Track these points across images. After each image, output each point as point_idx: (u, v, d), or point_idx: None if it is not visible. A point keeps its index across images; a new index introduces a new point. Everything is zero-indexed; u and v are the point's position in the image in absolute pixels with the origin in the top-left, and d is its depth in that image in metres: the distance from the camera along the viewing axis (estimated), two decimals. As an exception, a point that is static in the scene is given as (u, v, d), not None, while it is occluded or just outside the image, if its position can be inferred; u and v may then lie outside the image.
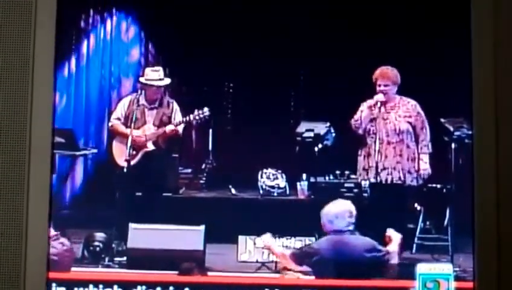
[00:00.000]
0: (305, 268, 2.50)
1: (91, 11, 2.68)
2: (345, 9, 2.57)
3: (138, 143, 2.76)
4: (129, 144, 2.75)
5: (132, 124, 2.76)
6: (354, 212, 2.53)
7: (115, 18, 2.71)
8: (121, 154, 2.74)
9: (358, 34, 2.57)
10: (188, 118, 2.72)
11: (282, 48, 2.60)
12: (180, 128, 2.74)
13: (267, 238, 2.52)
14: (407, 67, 2.58)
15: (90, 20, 2.69)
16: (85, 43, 2.69)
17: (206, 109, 2.68)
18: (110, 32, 2.72)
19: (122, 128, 2.75)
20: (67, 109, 2.66)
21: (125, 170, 2.71)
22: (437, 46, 2.54)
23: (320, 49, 2.59)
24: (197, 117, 2.70)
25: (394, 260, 2.50)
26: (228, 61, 2.63)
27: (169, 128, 2.76)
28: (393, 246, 2.51)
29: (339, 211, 2.53)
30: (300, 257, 2.51)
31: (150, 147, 2.77)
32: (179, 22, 2.63)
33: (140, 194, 2.66)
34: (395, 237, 2.50)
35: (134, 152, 2.75)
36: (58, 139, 2.57)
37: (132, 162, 2.73)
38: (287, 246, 2.52)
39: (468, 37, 2.46)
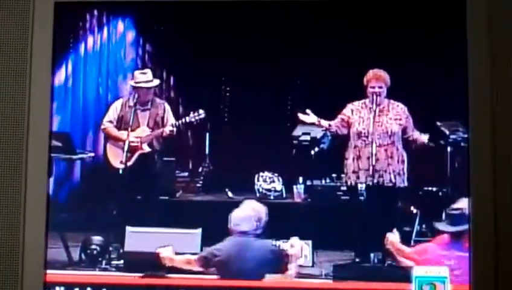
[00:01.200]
0: (210, 270, 2.54)
1: (88, 15, 2.69)
2: (340, 14, 2.58)
3: (133, 145, 2.77)
4: (124, 147, 2.75)
5: (125, 127, 2.77)
6: (263, 217, 2.56)
7: (111, 21, 2.71)
8: (115, 156, 2.74)
9: (354, 37, 2.57)
10: (183, 120, 2.72)
11: (279, 51, 2.60)
12: (175, 130, 2.74)
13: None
14: (403, 69, 2.58)
15: (88, 24, 2.69)
16: (82, 46, 2.69)
17: (201, 111, 2.68)
18: (107, 36, 2.72)
19: (115, 131, 2.76)
20: (65, 112, 2.66)
21: (120, 171, 2.72)
22: (432, 48, 2.54)
23: (317, 52, 2.59)
24: (192, 119, 2.70)
25: (293, 266, 2.53)
26: (224, 64, 2.63)
27: (164, 129, 2.76)
28: (294, 251, 2.54)
29: (245, 215, 2.56)
30: (206, 260, 2.54)
31: (146, 149, 2.77)
32: (174, 23, 2.64)
33: (137, 197, 2.66)
34: (296, 244, 2.53)
35: (129, 154, 2.76)
36: (55, 142, 2.58)
37: (127, 165, 2.74)
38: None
39: (464, 39, 2.47)
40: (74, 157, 2.69)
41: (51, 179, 2.56)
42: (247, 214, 2.58)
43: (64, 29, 2.62)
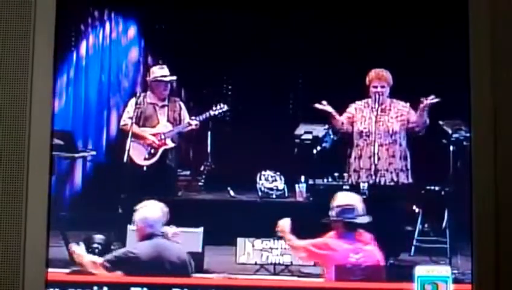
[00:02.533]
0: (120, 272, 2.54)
1: (90, 13, 2.68)
2: (341, 13, 2.58)
3: (156, 141, 2.77)
4: (147, 143, 2.76)
5: (145, 123, 2.77)
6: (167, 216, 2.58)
7: (114, 19, 2.71)
8: (138, 153, 2.74)
9: (357, 36, 2.58)
10: (207, 114, 2.71)
11: (281, 50, 2.60)
12: (199, 124, 2.74)
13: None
14: (405, 69, 2.58)
15: (90, 22, 2.69)
16: (84, 44, 2.69)
17: (223, 105, 2.68)
18: (109, 34, 2.72)
19: (135, 127, 2.75)
20: (67, 110, 2.66)
21: (145, 168, 2.72)
22: (435, 47, 2.54)
23: (319, 51, 2.60)
24: (216, 112, 2.70)
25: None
26: (227, 63, 2.63)
27: (191, 123, 2.75)
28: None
29: (158, 216, 2.58)
30: (115, 261, 2.55)
31: (170, 144, 2.77)
32: (177, 21, 2.64)
33: (139, 196, 2.65)
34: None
35: (152, 151, 2.76)
36: (57, 141, 2.57)
37: (151, 161, 2.74)
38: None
39: (466, 38, 2.47)
40: (76, 155, 2.68)
41: (53, 178, 2.55)
42: (159, 215, 2.58)
43: (67, 27, 2.61)
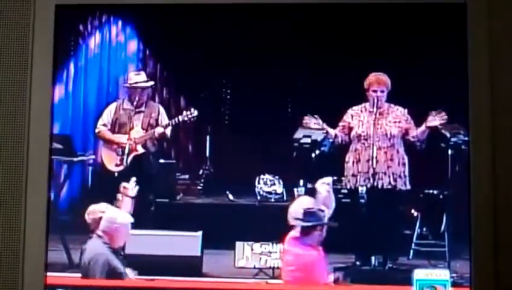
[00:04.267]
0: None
1: (89, 19, 2.69)
2: (339, 17, 2.59)
3: (128, 147, 2.76)
4: (119, 149, 2.75)
5: (120, 129, 2.77)
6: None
7: (112, 25, 2.71)
8: (110, 160, 2.74)
9: (355, 41, 2.58)
10: (176, 119, 2.72)
11: (280, 54, 2.60)
12: (168, 130, 2.73)
13: None
14: (403, 73, 2.58)
15: (88, 27, 2.69)
16: (83, 49, 2.70)
17: (193, 110, 2.68)
18: (108, 39, 2.72)
19: (109, 134, 2.75)
20: (65, 115, 2.66)
21: (116, 174, 2.72)
22: (433, 51, 2.54)
23: (318, 54, 2.60)
24: (185, 118, 2.70)
25: None
26: (225, 67, 2.63)
27: (157, 130, 2.76)
28: None
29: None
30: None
31: (140, 150, 2.77)
32: (176, 27, 2.64)
33: (138, 200, 2.65)
34: None
35: (124, 157, 2.75)
36: (56, 145, 2.58)
37: (123, 167, 2.74)
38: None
39: (465, 43, 2.47)
40: (75, 159, 2.69)
41: (52, 182, 2.56)
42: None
43: (65, 32, 2.63)
